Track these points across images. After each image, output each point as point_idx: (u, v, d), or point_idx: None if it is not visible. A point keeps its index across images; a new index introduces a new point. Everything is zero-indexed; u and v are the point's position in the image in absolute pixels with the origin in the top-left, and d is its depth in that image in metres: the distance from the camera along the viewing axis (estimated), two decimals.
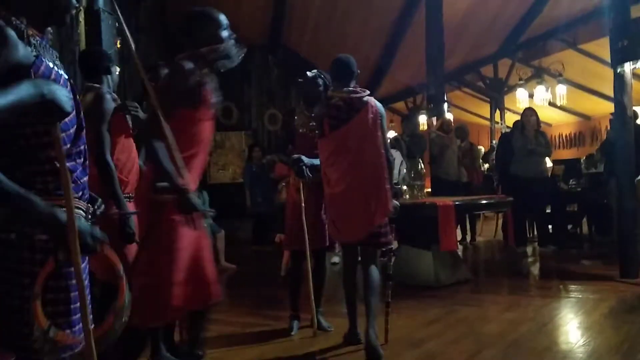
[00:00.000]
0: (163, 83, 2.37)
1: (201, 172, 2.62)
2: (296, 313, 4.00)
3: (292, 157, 3.66)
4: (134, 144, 3.03)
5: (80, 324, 1.57)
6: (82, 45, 3.85)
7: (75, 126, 1.56)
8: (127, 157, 2.98)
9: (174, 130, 2.34)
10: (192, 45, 2.49)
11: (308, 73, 3.90)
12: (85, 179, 1.61)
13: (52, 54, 1.57)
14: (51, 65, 1.53)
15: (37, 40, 1.51)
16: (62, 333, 1.51)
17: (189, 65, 2.43)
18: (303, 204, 3.72)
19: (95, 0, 3.65)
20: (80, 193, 1.58)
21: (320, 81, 3.82)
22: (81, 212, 1.60)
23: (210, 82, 2.49)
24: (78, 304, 1.57)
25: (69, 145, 1.53)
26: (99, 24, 3.59)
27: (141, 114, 3.09)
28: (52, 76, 1.50)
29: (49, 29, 1.60)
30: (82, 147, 1.58)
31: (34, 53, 1.48)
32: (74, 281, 1.55)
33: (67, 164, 1.50)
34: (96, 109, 2.76)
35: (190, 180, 2.45)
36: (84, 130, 1.62)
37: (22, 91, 1.32)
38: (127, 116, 2.99)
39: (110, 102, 2.84)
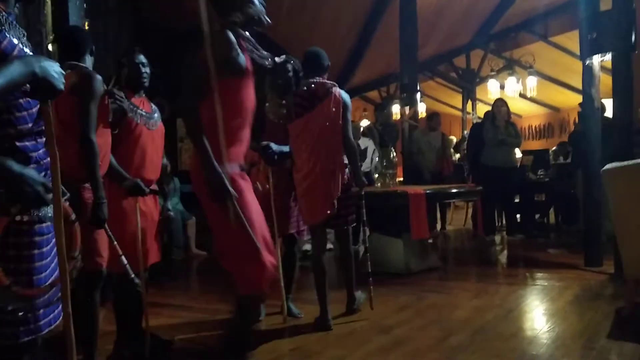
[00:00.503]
0: (202, 55, 2.34)
1: (247, 144, 2.63)
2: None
3: (261, 144, 3.63)
4: (109, 134, 2.94)
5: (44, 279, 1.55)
6: (49, 26, 3.75)
7: (37, 105, 1.52)
8: (103, 142, 2.89)
9: (221, 102, 2.33)
10: (225, 12, 2.49)
11: (277, 59, 3.85)
12: (47, 160, 1.57)
13: (19, 31, 1.52)
14: (15, 41, 1.48)
15: (2, 15, 1.46)
16: (24, 290, 1.50)
17: (228, 33, 2.43)
18: (272, 191, 3.70)
19: None
20: (43, 174, 1.55)
21: (289, 66, 3.76)
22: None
23: (249, 48, 2.51)
24: (44, 262, 1.55)
25: (30, 125, 1.48)
26: (66, 5, 3.50)
27: (125, 105, 3.02)
28: (15, 52, 1.46)
29: (16, 6, 1.55)
30: (43, 127, 1.54)
31: None
32: (39, 238, 1.52)
33: (28, 143, 1.46)
34: (85, 87, 2.66)
35: (239, 153, 2.52)
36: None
37: (13, 71, 1.28)
38: (109, 104, 2.91)
39: (101, 82, 2.75)
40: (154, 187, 3.28)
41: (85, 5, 3.74)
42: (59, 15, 3.49)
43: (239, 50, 2.45)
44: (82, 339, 2.44)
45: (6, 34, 1.45)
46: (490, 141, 6.98)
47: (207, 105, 2.34)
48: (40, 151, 1.54)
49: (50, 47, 3.62)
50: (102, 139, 2.87)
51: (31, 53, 1.56)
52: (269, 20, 2.59)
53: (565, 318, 3.81)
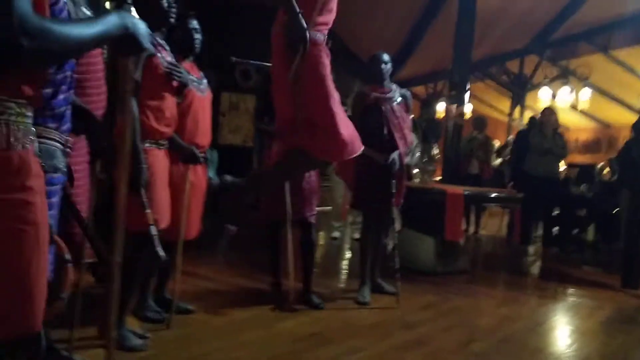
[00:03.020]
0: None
1: None
2: (278, 281, 3.99)
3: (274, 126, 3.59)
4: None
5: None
6: None
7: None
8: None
9: None
10: None
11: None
12: (66, 109, 1.55)
13: None
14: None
15: None
16: None
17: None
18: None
19: None
20: (57, 124, 1.52)
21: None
22: (57, 144, 1.54)
23: None
24: (52, 213, 1.49)
25: (53, 69, 1.45)
26: None
27: (184, 76, 2.99)
28: (61, 5, 1.44)
29: None
30: (67, 73, 1.51)
31: None
32: (49, 188, 1.48)
33: (49, 90, 1.44)
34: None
35: None
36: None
37: (109, 22, 1.30)
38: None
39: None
40: (205, 154, 3.28)
41: None
42: None
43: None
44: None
45: None
46: (535, 149, 6.81)
47: None
48: (60, 98, 1.50)
49: (107, 5, 3.63)
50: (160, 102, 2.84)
51: (87, 12, 1.55)
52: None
53: (594, 339, 3.68)
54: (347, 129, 2.82)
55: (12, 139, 1.17)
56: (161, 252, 2.68)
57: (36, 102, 1.24)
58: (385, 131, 3.97)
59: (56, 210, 1.55)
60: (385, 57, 4.09)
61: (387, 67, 4.08)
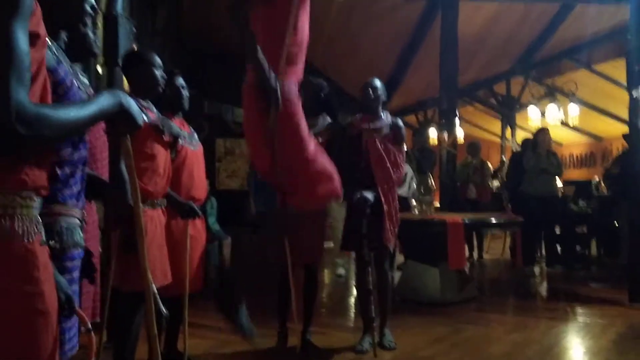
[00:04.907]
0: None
1: None
2: (284, 330, 3.88)
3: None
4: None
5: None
6: (100, 49, 3.86)
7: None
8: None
9: None
10: None
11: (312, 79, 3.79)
12: (82, 187, 1.59)
13: (65, 58, 1.55)
14: (67, 69, 1.51)
15: (54, 45, 1.49)
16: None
17: None
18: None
19: (113, 5, 3.67)
20: (76, 201, 1.56)
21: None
22: (77, 220, 1.58)
23: None
24: (74, 288, 1.52)
25: (70, 150, 1.49)
26: (117, 29, 3.61)
27: (174, 130, 3.06)
28: (68, 82, 1.49)
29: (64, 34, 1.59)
30: (83, 152, 1.55)
31: (54, 58, 1.47)
32: (70, 264, 1.52)
33: (67, 170, 1.47)
34: None
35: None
36: (86, 135, 1.60)
37: (104, 101, 1.31)
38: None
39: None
40: (202, 206, 3.33)
41: (134, 29, 3.84)
42: (109, 38, 3.60)
43: None
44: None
45: (63, 64, 1.49)
46: (531, 170, 6.87)
47: None
48: (77, 176, 1.54)
49: (99, 69, 3.72)
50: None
51: (84, 79, 1.60)
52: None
53: (608, 358, 3.67)
54: (324, 180, 2.89)
55: (17, 231, 1.17)
56: (163, 310, 2.73)
57: (44, 191, 1.25)
58: (363, 165, 3.72)
59: (77, 285, 1.58)
60: (375, 82, 3.81)
61: (376, 93, 3.78)
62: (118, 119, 1.40)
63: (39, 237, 1.23)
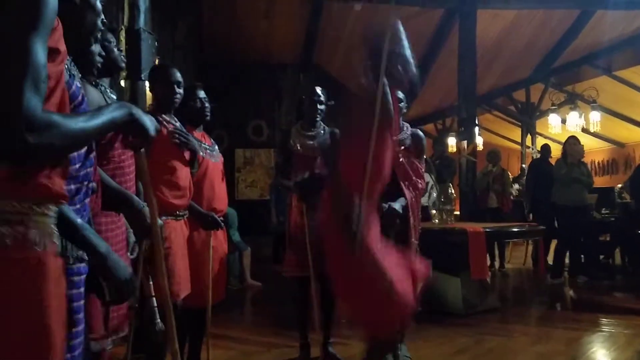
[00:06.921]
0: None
1: None
2: (306, 342, 3.85)
3: (294, 181, 3.59)
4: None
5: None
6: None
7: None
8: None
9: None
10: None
11: (318, 89, 3.77)
12: (85, 203, 1.55)
13: (77, 73, 1.56)
14: (79, 85, 1.48)
15: (67, 60, 1.50)
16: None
17: None
18: (307, 229, 3.55)
19: (136, 20, 3.73)
20: (80, 217, 1.56)
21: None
22: None
23: None
24: (81, 303, 1.48)
25: (77, 166, 1.46)
26: (139, 43, 3.67)
27: (192, 144, 3.11)
28: (80, 97, 1.49)
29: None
30: (89, 170, 1.51)
31: (67, 72, 1.47)
32: (77, 278, 1.48)
33: (72, 187, 1.45)
34: None
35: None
36: (94, 152, 1.60)
37: (113, 111, 1.30)
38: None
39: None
40: (223, 217, 3.35)
41: (156, 43, 3.91)
42: (132, 53, 3.66)
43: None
44: None
45: (75, 79, 1.49)
46: (562, 179, 6.76)
47: None
48: (82, 193, 1.50)
49: (122, 83, 3.78)
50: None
51: (112, 95, 1.62)
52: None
53: None
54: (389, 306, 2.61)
55: (30, 240, 1.14)
56: (159, 325, 2.51)
57: (62, 199, 1.23)
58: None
59: (82, 300, 1.58)
60: (397, 95, 3.71)
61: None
62: (130, 129, 1.39)
63: (54, 248, 1.20)
